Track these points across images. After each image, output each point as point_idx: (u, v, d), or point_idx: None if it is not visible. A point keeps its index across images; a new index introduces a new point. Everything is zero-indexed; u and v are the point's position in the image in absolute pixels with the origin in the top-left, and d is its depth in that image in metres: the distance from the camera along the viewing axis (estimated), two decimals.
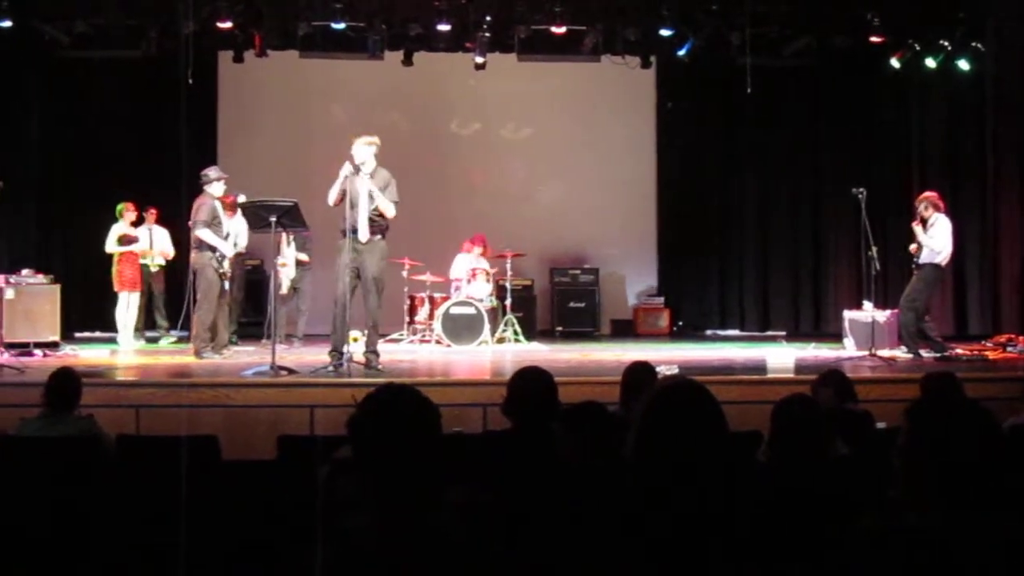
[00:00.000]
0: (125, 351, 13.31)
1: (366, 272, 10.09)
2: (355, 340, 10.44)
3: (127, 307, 13.87)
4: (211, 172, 12.30)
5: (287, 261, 13.57)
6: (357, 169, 10.01)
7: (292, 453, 5.84)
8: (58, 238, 15.85)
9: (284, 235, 12.91)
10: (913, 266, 12.14)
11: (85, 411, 6.57)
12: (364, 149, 10.10)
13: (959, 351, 12.25)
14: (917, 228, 12.05)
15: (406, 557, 2.50)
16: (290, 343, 13.44)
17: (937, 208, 12.10)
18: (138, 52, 14.32)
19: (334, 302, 10.17)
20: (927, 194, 12.41)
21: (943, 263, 12.11)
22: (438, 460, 2.68)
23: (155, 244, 14.29)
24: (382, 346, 12.46)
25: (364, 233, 10.06)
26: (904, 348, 12.08)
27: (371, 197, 10.03)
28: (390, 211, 10.13)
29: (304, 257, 13.66)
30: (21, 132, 15.31)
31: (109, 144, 15.83)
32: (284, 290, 13.41)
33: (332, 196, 10.15)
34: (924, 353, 11.91)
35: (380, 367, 10.32)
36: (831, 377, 6.72)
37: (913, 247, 12.08)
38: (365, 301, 10.18)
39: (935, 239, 11.91)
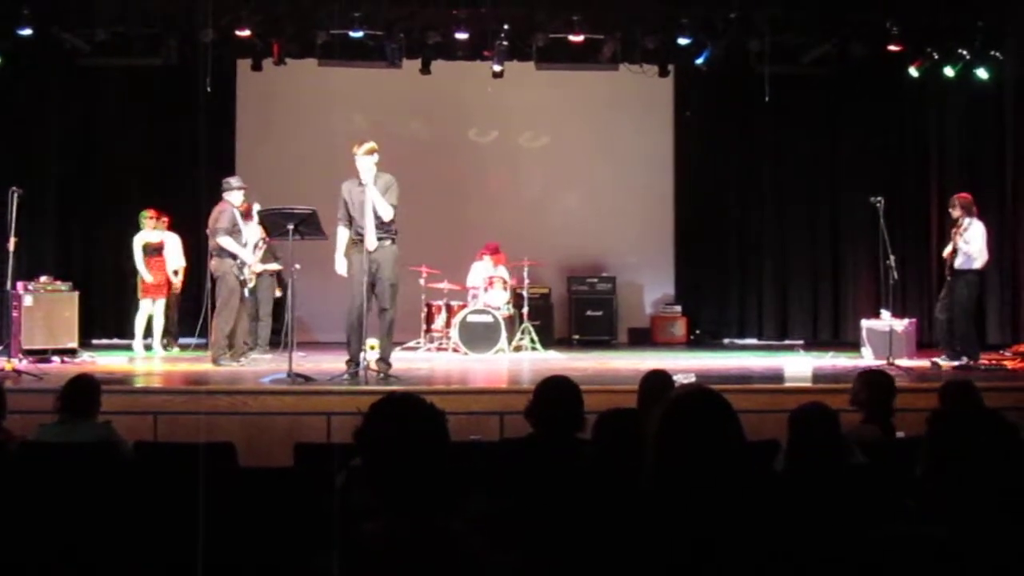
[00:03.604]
0: (143, 358, 13.32)
1: (382, 279, 10.07)
2: (372, 348, 10.44)
3: (156, 315, 13.88)
4: (233, 180, 12.36)
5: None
6: (361, 183, 10.04)
7: (309, 460, 5.85)
8: (77, 245, 15.90)
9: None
10: (947, 273, 12.04)
11: (103, 417, 6.59)
12: (366, 160, 10.06)
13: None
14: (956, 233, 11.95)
15: (421, 565, 2.50)
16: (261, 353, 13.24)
17: (968, 211, 11.97)
18: (158, 60, 14.39)
19: (349, 311, 10.17)
20: (959, 195, 12.28)
21: (980, 267, 12.01)
22: (448, 467, 2.68)
23: (168, 251, 14.25)
24: (399, 354, 12.47)
25: (372, 241, 10.02)
26: (964, 359, 11.86)
27: (373, 206, 10.01)
28: (387, 214, 10.04)
29: (274, 267, 13.53)
30: (41, 139, 15.38)
31: (128, 152, 15.91)
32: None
33: (339, 211, 10.28)
34: (943, 361, 11.85)
35: (395, 375, 10.31)
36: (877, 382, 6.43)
37: (947, 252, 11.99)
38: (380, 309, 10.15)
39: (970, 243, 11.81)
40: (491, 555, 2.58)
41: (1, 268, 11.50)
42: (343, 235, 10.30)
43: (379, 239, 10.04)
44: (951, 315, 12.00)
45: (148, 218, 14.09)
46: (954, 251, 11.90)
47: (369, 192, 9.96)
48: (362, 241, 10.07)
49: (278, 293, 13.86)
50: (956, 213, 11.97)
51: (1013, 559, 2.61)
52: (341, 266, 10.33)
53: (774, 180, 16.95)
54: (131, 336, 14.19)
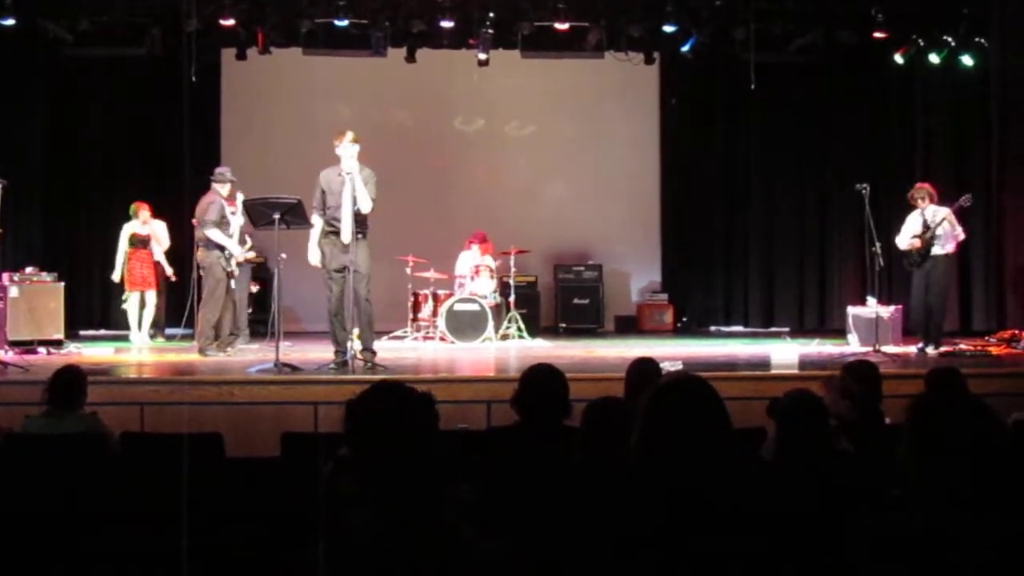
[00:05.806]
0: (137, 348, 13.26)
1: (358, 271, 9.99)
2: (358, 337, 10.41)
3: (143, 305, 13.79)
4: (227, 172, 12.31)
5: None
6: (341, 174, 9.92)
7: (296, 450, 5.85)
8: (62, 236, 15.83)
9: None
10: (917, 262, 12.05)
11: (89, 408, 6.58)
12: (351, 148, 9.93)
13: (963, 346, 12.24)
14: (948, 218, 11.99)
15: (409, 554, 2.50)
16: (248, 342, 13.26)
17: (933, 199, 12.05)
18: (142, 50, 14.33)
19: (329, 301, 10.12)
20: (921, 184, 12.35)
21: (953, 251, 12.12)
22: (437, 455, 2.67)
23: (160, 238, 14.18)
24: (386, 343, 12.46)
25: (347, 235, 9.89)
26: (931, 346, 11.95)
27: (354, 197, 9.87)
28: (367, 205, 9.89)
29: (252, 255, 13.49)
30: (25, 130, 15.29)
31: (112, 142, 15.86)
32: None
33: (315, 199, 10.18)
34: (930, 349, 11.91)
35: (382, 364, 10.28)
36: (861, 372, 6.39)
37: (916, 243, 12.00)
38: (357, 300, 10.07)
39: (945, 229, 11.87)
40: (480, 543, 2.58)
41: None
42: (318, 224, 10.19)
43: (354, 233, 9.93)
44: (928, 300, 12.05)
45: (139, 210, 14.02)
46: (929, 239, 11.91)
47: (351, 182, 9.85)
48: (336, 233, 9.95)
49: (253, 288, 13.91)
50: (924, 203, 12.01)
51: (994, 547, 2.62)
52: (315, 256, 10.22)
53: (760, 168, 16.96)
54: (117, 327, 14.13)
